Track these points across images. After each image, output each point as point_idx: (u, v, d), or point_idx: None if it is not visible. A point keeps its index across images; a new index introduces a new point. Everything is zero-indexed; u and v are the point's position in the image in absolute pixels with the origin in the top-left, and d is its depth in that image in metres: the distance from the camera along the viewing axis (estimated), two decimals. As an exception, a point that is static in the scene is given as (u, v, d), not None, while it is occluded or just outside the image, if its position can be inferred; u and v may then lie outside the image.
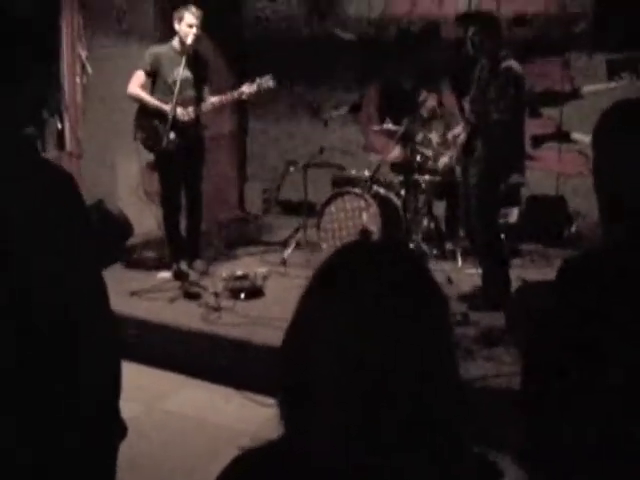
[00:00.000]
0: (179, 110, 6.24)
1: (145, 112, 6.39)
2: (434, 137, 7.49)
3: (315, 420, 1.17)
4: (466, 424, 1.23)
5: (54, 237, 1.82)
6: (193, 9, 6.23)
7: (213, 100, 6.53)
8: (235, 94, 6.50)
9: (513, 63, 5.55)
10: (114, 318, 2.03)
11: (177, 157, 6.39)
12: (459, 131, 6.06)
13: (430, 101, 7.59)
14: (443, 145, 7.44)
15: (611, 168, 1.74)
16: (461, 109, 7.28)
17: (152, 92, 6.41)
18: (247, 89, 6.46)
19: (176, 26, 6.30)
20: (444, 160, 7.25)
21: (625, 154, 1.70)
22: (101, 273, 1.97)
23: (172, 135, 6.27)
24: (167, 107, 6.19)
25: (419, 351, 1.15)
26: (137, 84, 6.38)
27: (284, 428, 1.23)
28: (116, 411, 1.99)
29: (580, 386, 1.67)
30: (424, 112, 7.63)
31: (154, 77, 6.41)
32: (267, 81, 6.47)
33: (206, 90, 6.59)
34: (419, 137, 7.46)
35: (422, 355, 1.16)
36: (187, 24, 6.22)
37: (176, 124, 6.26)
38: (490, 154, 5.58)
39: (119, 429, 2.02)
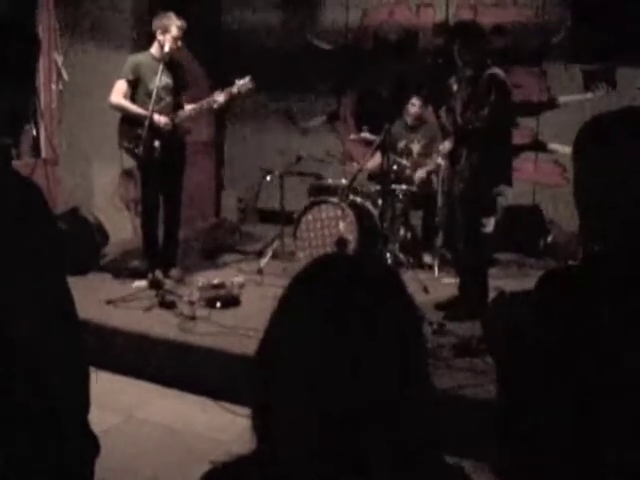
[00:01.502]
0: (156, 116, 6.22)
1: (129, 121, 6.36)
2: (415, 146, 7.51)
3: (282, 433, 1.17)
4: (438, 436, 1.23)
5: (18, 251, 1.80)
6: (178, 22, 6.23)
7: (189, 108, 6.50)
8: (209, 101, 6.47)
9: (497, 70, 5.57)
10: (79, 329, 2.00)
11: (159, 164, 6.37)
12: (449, 145, 6.07)
13: (416, 108, 7.60)
14: (424, 155, 7.48)
15: (591, 181, 1.74)
16: (438, 118, 7.30)
17: (133, 100, 6.38)
18: (218, 97, 6.42)
19: (159, 36, 6.28)
20: (420, 175, 7.29)
21: (605, 167, 1.70)
22: (67, 284, 1.93)
23: (157, 143, 6.25)
24: (146, 114, 6.17)
25: (389, 364, 1.15)
26: (119, 94, 6.35)
27: (257, 439, 1.22)
28: (86, 426, 1.95)
29: (556, 398, 1.66)
30: (408, 119, 7.64)
31: (135, 86, 6.39)
32: (246, 83, 6.44)
33: (183, 97, 6.57)
34: (401, 144, 7.49)
35: (392, 368, 1.15)
36: (172, 36, 6.22)
37: (157, 131, 6.24)
38: (475, 163, 5.58)
39: (92, 445, 1.98)
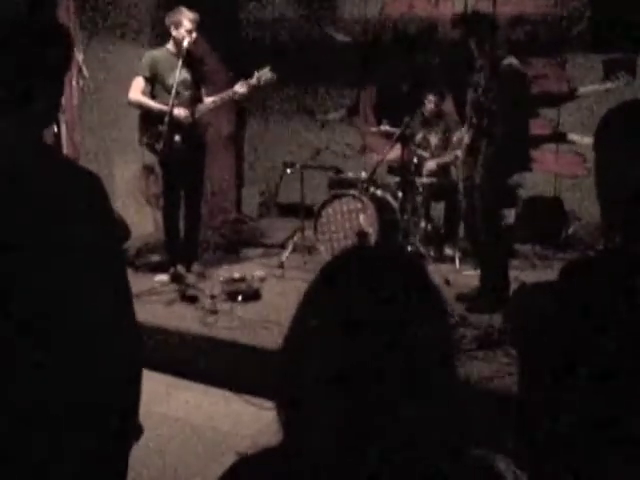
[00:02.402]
0: (176, 111, 6.22)
1: (148, 117, 6.37)
2: (433, 139, 7.49)
3: (308, 426, 1.17)
4: (464, 426, 1.22)
5: (85, 237, 1.84)
6: (191, 15, 6.23)
7: (209, 101, 6.51)
8: (230, 93, 6.47)
9: (513, 60, 5.55)
10: (136, 319, 2.05)
11: (180, 159, 6.38)
12: (463, 134, 6.05)
13: (432, 104, 7.58)
14: (441, 147, 7.46)
15: (613, 171, 1.73)
16: (459, 111, 7.28)
17: (152, 97, 6.40)
18: (239, 89, 6.42)
19: (173, 31, 6.29)
20: (430, 166, 7.27)
21: (627, 156, 1.69)
22: (126, 276, 1.98)
23: (177, 138, 6.26)
24: (166, 109, 6.18)
25: (418, 357, 1.15)
26: (137, 90, 6.36)
27: (282, 433, 1.22)
28: (136, 412, 2.01)
29: (579, 389, 1.66)
30: (425, 111, 7.62)
31: (153, 82, 6.40)
32: (266, 73, 6.43)
33: (202, 91, 6.58)
34: (419, 137, 7.47)
35: (421, 361, 1.15)
36: (186, 30, 6.22)
37: (178, 126, 6.25)
38: (495, 153, 5.57)
39: (136, 430, 2.05)
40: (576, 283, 1.71)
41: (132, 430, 2.04)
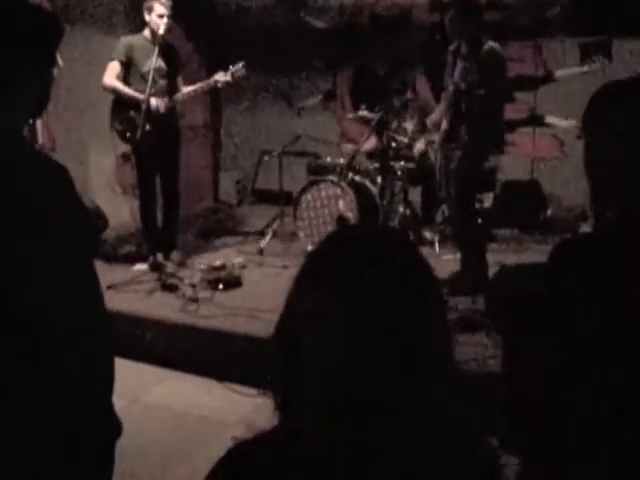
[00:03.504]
0: (153, 100, 6.20)
1: (121, 103, 6.32)
2: (409, 125, 7.49)
3: (305, 409, 1.17)
4: (460, 409, 1.23)
5: (51, 231, 1.82)
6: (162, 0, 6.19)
7: (187, 90, 6.49)
8: (210, 82, 6.47)
9: (495, 44, 5.55)
10: (107, 312, 2.03)
11: (153, 148, 6.34)
12: (436, 117, 6.06)
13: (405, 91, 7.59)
14: (418, 132, 7.46)
15: (603, 151, 1.74)
16: (436, 94, 7.28)
17: (126, 83, 6.34)
18: (220, 77, 6.43)
19: (146, 17, 6.26)
20: (419, 146, 7.27)
21: (616, 136, 1.70)
22: (94, 267, 1.95)
23: (148, 126, 6.22)
24: (142, 97, 6.15)
25: (414, 337, 1.14)
26: (112, 75, 6.30)
27: (278, 417, 1.22)
28: (111, 408, 1.98)
29: (566, 371, 1.67)
30: (397, 102, 7.61)
31: (127, 68, 6.35)
32: (240, 69, 6.45)
33: (179, 80, 6.56)
34: (393, 125, 7.46)
35: (417, 341, 1.15)
36: (157, 14, 6.18)
37: (151, 115, 6.22)
38: (474, 138, 5.58)
39: (114, 425, 2.02)
40: (569, 262, 1.72)
41: (111, 426, 2.00)
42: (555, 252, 1.73)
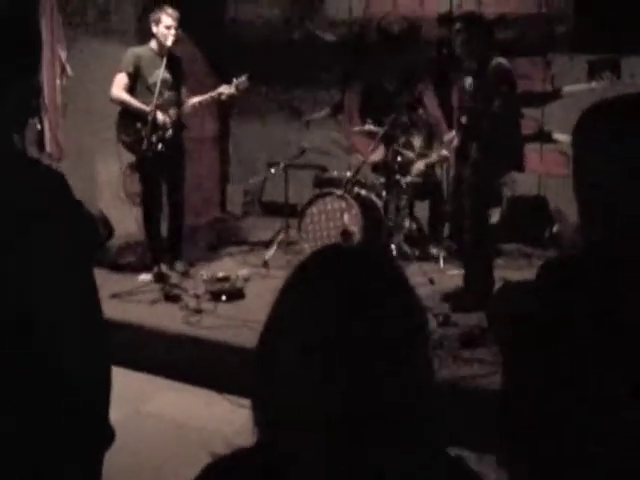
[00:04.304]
0: (159, 113, 6.22)
1: (128, 115, 6.36)
2: (416, 140, 7.49)
3: (283, 424, 1.16)
4: (439, 428, 1.22)
5: (45, 238, 1.81)
6: (169, 10, 6.21)
7: (193, 101, 6.52)
8: (214, 95, 6.50)
9: (503, 60, 5.54)
10: (104, 321, 2.02)
11: (159, 159, 6.36)
12: (453, 135, 6.05)
13: (413, 106, 7.57)
14: (425, 147, 7.46)
15: (591, 169, 1.73)
16: (444, 110, 7.29)
17: (133, 94, 6.37)
18: (224, 90, 6.46)
19: (153, 29, 6.29)
20: (418, 167, 7.26)
21: (605, 154, 1.69)
22: (93, 274, 1.95)
23: (154, 138, 6.25)
24: (149, 109, 6.17)
25: (392, 356, 1.14)
26: (120, 87, 6.34)
27: (257, 432, 1.22)
28: (105, 417, 1.97)
29: (557, 385, 1.66)
30: (405, 118, 7.60)
31: (134, 79, 6.38)
32: (243, 82, 6.48)
33: (184, 91, 6.58)
34: (401, 140, 7.45)
35: (395, 360, 1.14)
36: (165, 26, 6.21)
37: (157, 127, 6.24)
38: (483, 154, 5.57)
39: (107, 435, 2.00)
40: (553, 280, 1.71)
41: (103, 434, 1.99)
42: (540, 271, 1.73)
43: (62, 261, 1.84)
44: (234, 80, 6.48)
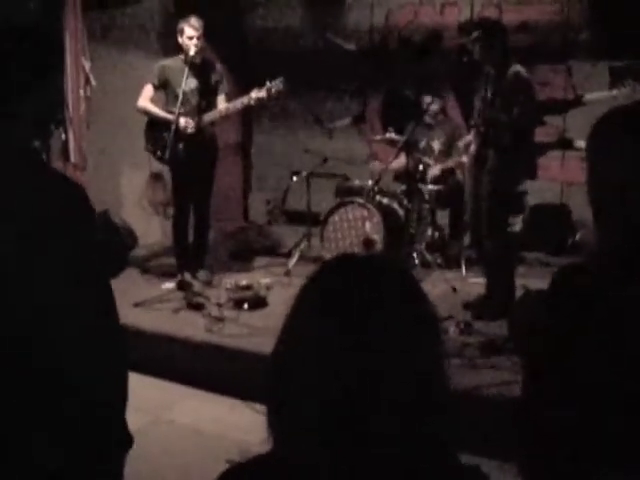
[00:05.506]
0: (182, 120, 6.26)
1: (154, 124, 6.46)
2: (436, 144, 7.49)
3: (297, 433, 1.17)
4: (454, 438, 1.22)
5: (62, 248, 1.83)
6: (192, 21, 6.24)
7: (219, 108, 6.51)
8: (244, 100, 6.44)
9: (520, 68, 5.53)
10: (121, 329, 2.04)
11: (186, 167, 6.42)
12: (470, 139, 6.03)
13: (434, 105, 7.54)
14: (445, 152, 7.46)
15: (606, 177, 1.73)
16: (465, 118, 7.27)
17: (166, 104, 6.48)
18: (255, 94, 6.38)
19: (179, 39, 6.34)
20: (434, 172, 7.26)
21: (620, 162, 1.69)
22: (109, 284, 1.97)
23: (180, 145, 6.30)
24: (172, 118, 6.23)
25: (403, 364, 1.16)
26: (146, 98, 6.48)
27: (271, 440, 1.23)
28: (123, 422, 1.99)
29: (570, 394, 1.66)
30: (427, 118, 7.59)
31: (165, 89, 6.50)
32: (277, 84, 6.40)
33: (220, 97, 6.58)
34: (422, 144, 7.45)
35: (406, 368, 1.16)
36: (187, 37, 6.25)
37: (182, 135, 6.28)
38: (502, 162, 5.56)
39: (126, 440, 2.02)
40: (565, 289, 1.72)
41: (121, 440, 2.01)
42: (553, 279, 1.73)
43: (73, 271, 1.86)
44: (267, 83, 6.42)
